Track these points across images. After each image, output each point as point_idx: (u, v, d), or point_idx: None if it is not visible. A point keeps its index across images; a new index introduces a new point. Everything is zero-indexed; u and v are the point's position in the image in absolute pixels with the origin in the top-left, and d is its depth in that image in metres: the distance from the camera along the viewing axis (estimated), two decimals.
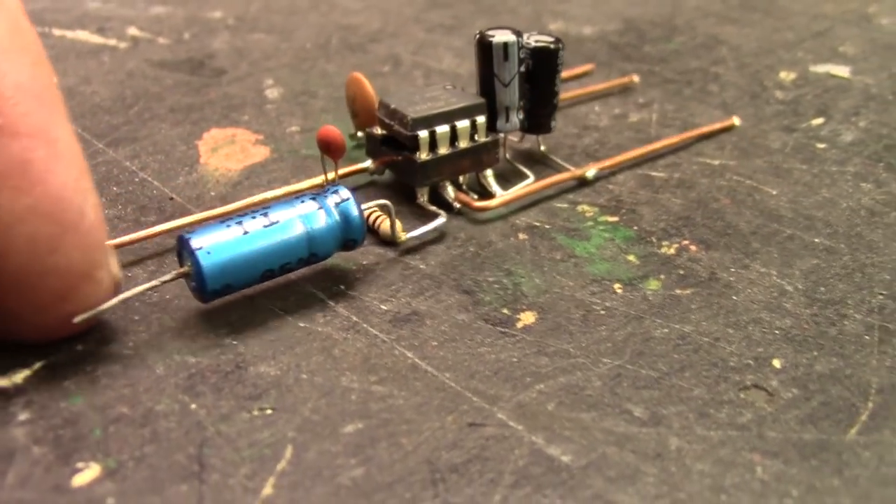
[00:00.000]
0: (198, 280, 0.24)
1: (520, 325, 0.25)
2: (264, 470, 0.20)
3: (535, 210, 0.29)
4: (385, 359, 0.23)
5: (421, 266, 0.27)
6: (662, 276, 0.26)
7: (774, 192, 0.30)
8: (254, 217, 0.24)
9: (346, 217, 0.25)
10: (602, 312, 0.25)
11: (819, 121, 0.35)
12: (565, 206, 0.30)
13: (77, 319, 0.22)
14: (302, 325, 0.25)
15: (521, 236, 0.28)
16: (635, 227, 0.29)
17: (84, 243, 0.22)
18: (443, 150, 0.29)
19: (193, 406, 0.22)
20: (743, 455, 0.21)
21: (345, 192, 0.25)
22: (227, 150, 0.33)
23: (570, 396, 0.22)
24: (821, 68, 0.39)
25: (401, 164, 0.29)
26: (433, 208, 0.29)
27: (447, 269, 0.27)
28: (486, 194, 0.30)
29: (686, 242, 0.28)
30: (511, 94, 0.30)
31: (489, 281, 0.26)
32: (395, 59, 0.41)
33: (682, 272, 0.27)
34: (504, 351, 0.24)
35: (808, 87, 0.38)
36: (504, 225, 0.29)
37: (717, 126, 0.32)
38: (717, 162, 0.32)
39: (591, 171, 0.31)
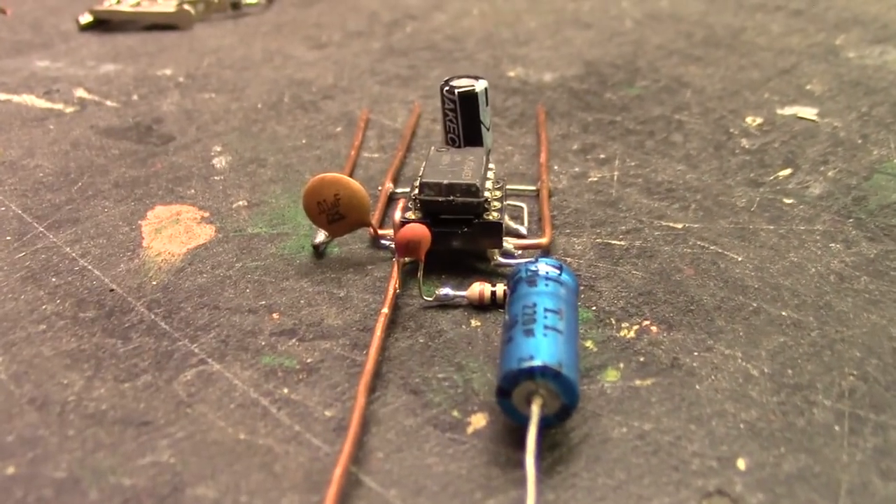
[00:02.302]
0: (567, 400, 0.22)
1: (470, 429, 0.23)
2: None
3: None
4: (328, 474, 0.22)
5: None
6: (621, 365, 0.25)
7: (740, 259, 0.29)
8: (545, 316, 0.23)
9: (574, 283, 0.25)
10: None
11: (786, 172, 0.34)
12: None
13: None
14: (243, 437, 0.23)
15: (474, 323, 0.27)
16: (594, 308, 0.27)
17: None
18: (496, 203, 0.29)
19: None
20: None
21: (552, 262, 0.25)
22: (171, 231, 0.32)
23: None
24: (788, 111, 0.38)
25: (468, 234, 0.29)
26: (513, 260, 0.29)
27: (395, 364, 0.25)
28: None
29: (647, 323, 0.27)
30: (489, 137, 0.32)
31: (439, 378, 0.25)
32: (349, 117, 0.39)
33: (641, 359, 0.25)
34: (453, 461, 0.22)
35: (775, 132, 0.36)
36: (456, 311, 0.27)
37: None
38: (679, 225, 0.31)
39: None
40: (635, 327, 0.26)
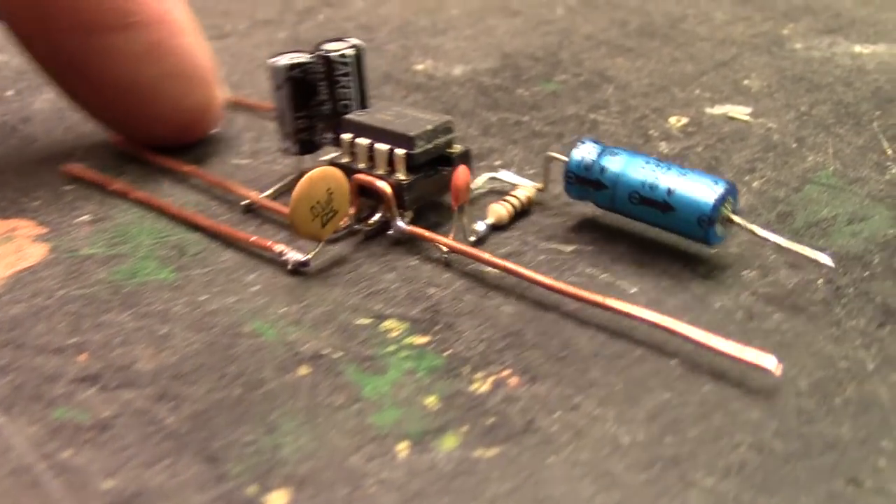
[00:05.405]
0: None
1: None
2: None
3: (332, 328, 0.24)
4: None
5: (169, 419, 0.21)
6: (465, 428, 0.21)
7: (632, 291, 0.25)
8: (659, 164, 0.25)
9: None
10: (373, 489, 0.19)
11: None
12: (368, 321, 0.24)
13: None
14: None
15: (303, 371, 0.23)
16: (447, 352, 0.23)
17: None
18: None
19: None
20: None
21: (592, 140, 0.27)
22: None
23: None
24: (718, 109, 0.34)
25: (448, 173, 0.27)
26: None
27: (198, 423, 0.21)
28: None
29: (506, 373, 0.22)
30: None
31: (244, 441, 0.21)
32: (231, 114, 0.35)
33: (490, 420, 0.21)
34: None
35: (700, 134, 0.32)
36: (287, 354, 0.23)
37: None
38: (570, 248, 0.26)
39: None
40: (491, 378, 0.22)
